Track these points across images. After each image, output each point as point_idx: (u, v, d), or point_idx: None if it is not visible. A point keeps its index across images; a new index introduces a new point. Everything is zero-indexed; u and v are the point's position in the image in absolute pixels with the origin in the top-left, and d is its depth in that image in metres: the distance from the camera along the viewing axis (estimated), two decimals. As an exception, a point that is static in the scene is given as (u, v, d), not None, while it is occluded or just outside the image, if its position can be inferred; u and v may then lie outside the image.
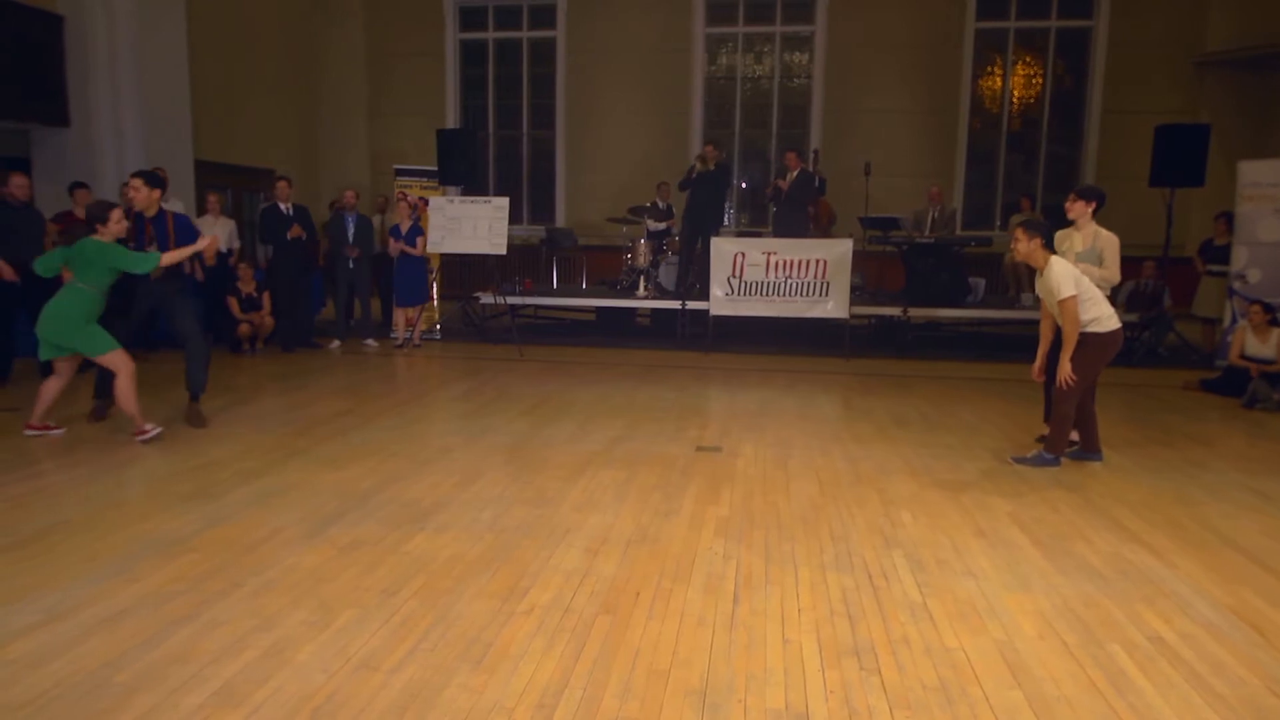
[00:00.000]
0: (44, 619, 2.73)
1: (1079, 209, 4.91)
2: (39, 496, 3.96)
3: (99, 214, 4.82)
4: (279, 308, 8.52)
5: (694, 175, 9.62)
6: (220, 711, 2.23)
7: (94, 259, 4.74)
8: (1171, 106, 11.91)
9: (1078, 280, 4.49)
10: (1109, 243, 4.88)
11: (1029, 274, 9.58)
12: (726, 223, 13.64)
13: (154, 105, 9.37)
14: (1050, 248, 4.61)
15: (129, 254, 4.85)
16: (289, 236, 8.34)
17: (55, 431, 5.03)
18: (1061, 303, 4.48)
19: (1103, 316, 4.57)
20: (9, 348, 6.67)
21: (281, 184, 8.67)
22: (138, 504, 3.89)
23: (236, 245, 8.84)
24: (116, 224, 4.85)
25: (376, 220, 9.82)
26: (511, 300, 9.64)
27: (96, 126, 9.07)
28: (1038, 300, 4.86)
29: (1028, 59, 13.22)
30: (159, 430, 4.97)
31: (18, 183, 6.67)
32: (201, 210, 8.97)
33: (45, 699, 2.28)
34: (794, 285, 8.66)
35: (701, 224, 9.63)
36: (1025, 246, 4.57)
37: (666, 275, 10.24)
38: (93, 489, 4.08)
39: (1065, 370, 4.54)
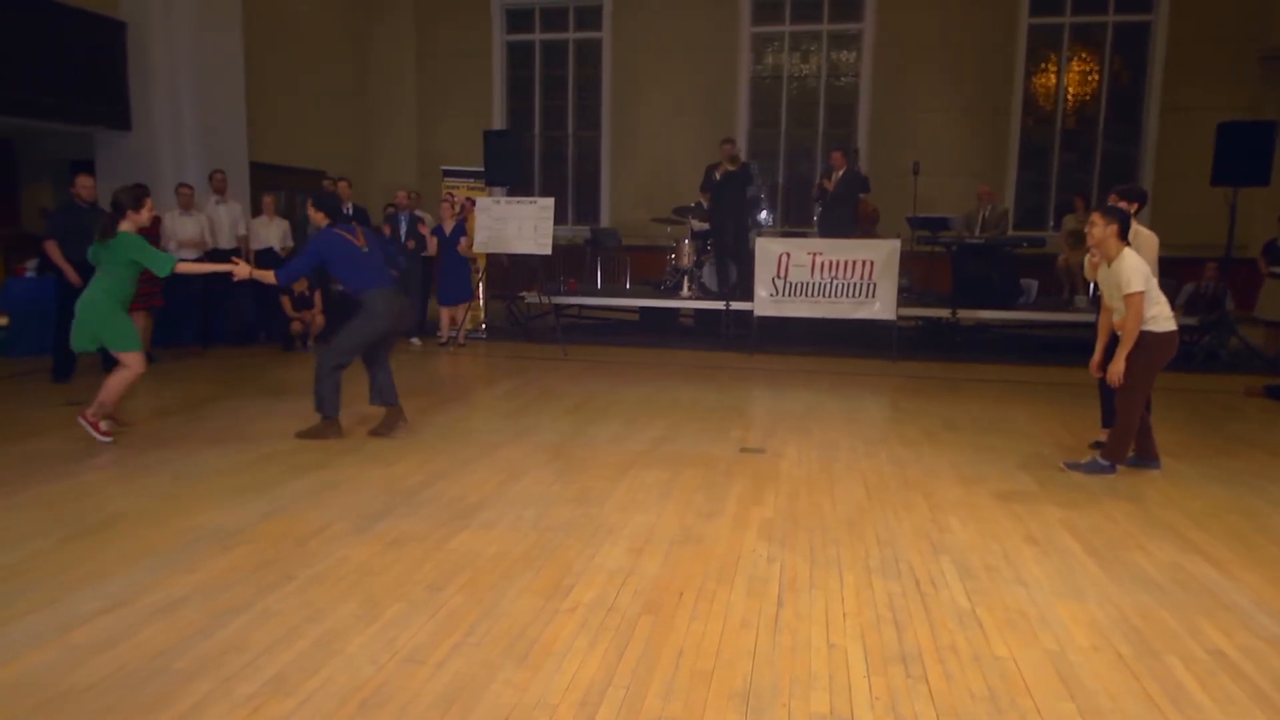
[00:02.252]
0: (107, 606, 2.82)
1: (1090, 219, 4.77)
2: (102, 488, 4.10)
3: (131, 201, 4.83)
4: (330, 307, 8.70)
5: (719, 177, 9.57)
6: (273, 700, 2.28)
7: (115, 248, 4.76)
8: (1234, 103, 11.50)
9: (1148, 277, 4.37)
10: (1147, 241, 4.73)
11: (1082, 275, 9.35)
12: (770, 222, 13.56)
13: (211, 108, 9.63)
14: (1125, 238, 4.48)
15: (149, 250, 4.87)
16: None
17: (105, 439, 4.85)
18: (1128, 296, 4.35)
19: (1160, 316, 4.43)
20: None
21: (342, 184, 8.91)
22: (194, 497, 4.00)
23: (290, 245, 9.05)
24: (148, 212, 4.94)
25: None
26: (556, 300, 9.70)
27: (156, 129, 9.36)
28: (1091, 302, 4.74)
29: (1083, 55, 12.88)
30: (111, 440, 4.84)
31: (84, 183, 6.85)
32: (257, 211, 9.21)
33: (108, 683, 2.35)
34: (840, 286, 8.57)
35: (739, 221, 9.59)
36: (1100, 232, 4.44)
37: (710, 275, 10.20)
38: (151, 481, 4.20)
39: (1119, 369, 4.41)
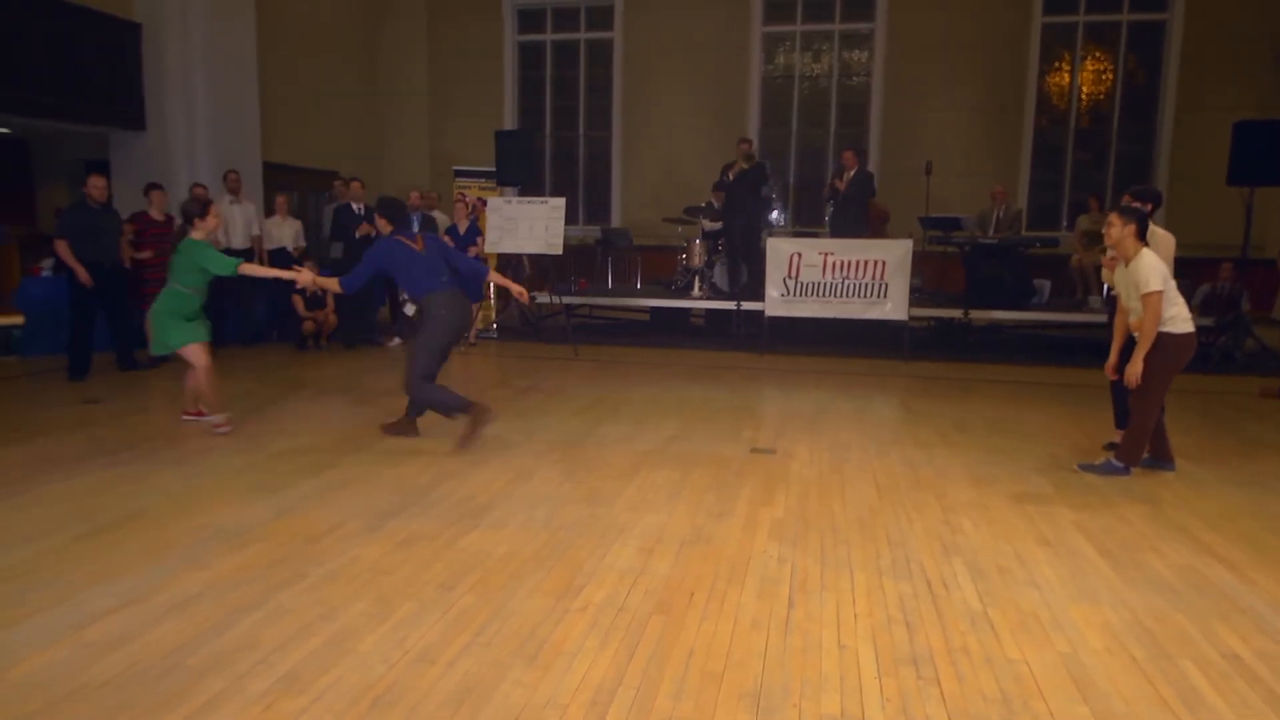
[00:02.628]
0: (121, 603, 2.84)
1: (1107, 219, 4.74)
2: (116, 486, 4.13)
3: (198, 210, 5.07)
4: (342, 306, 8.73)
5: (733, 177, 9.55)
6: (285, 697, 2.29)
7: (183, 255, 5.02)
8: (1250, 102, 11.40)
9: (1166, 277, 4.33)
10: (1164, 241, 4.69)
11: (1096, 276, 9.29)
12: (782, 222, 13.53)
13: (225, 109, 9.69)
14: (1143, 238, 4.45)
15: (213, 254, 5.10)
16: (358, 235, 8.58)
17: (208, 418, 5.21)
18: (1146, 296, 4.32)
19: (1178, 317, 4.40)
20: (88, 344, 6.96)
21: (355, 184, 8.96)
22: (208, 494, 4.02)
23: (303, 245, 9.09)
24: (214, 218, 5.16)
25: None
26: (567, 300, 9.71)
27: (171, 130, 9.42)
28: (1105, 303, 4.70)
29: (1097, 54, 12.79)
30: (229, 429, 5.13)
31: (96, 184, 6.89)
32: (270, 211, 9.26)
33: (122, 679, 2.37)
34: (851, 286, 8.54)
35: (749, 221, 9.58)
36: (1117, 232, 4.41)
37: (721, 276, 10.19)
38: (165, 479, 4.23)
39: (1137, 369, 4.37)
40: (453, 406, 4.86)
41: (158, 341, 5.14)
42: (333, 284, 5.06)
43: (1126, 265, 4.46)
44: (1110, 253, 4.78)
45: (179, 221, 5.21)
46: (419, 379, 4.86)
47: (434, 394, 4.89)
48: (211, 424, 5.15)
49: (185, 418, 5.34)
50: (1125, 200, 4.81)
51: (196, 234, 5.08)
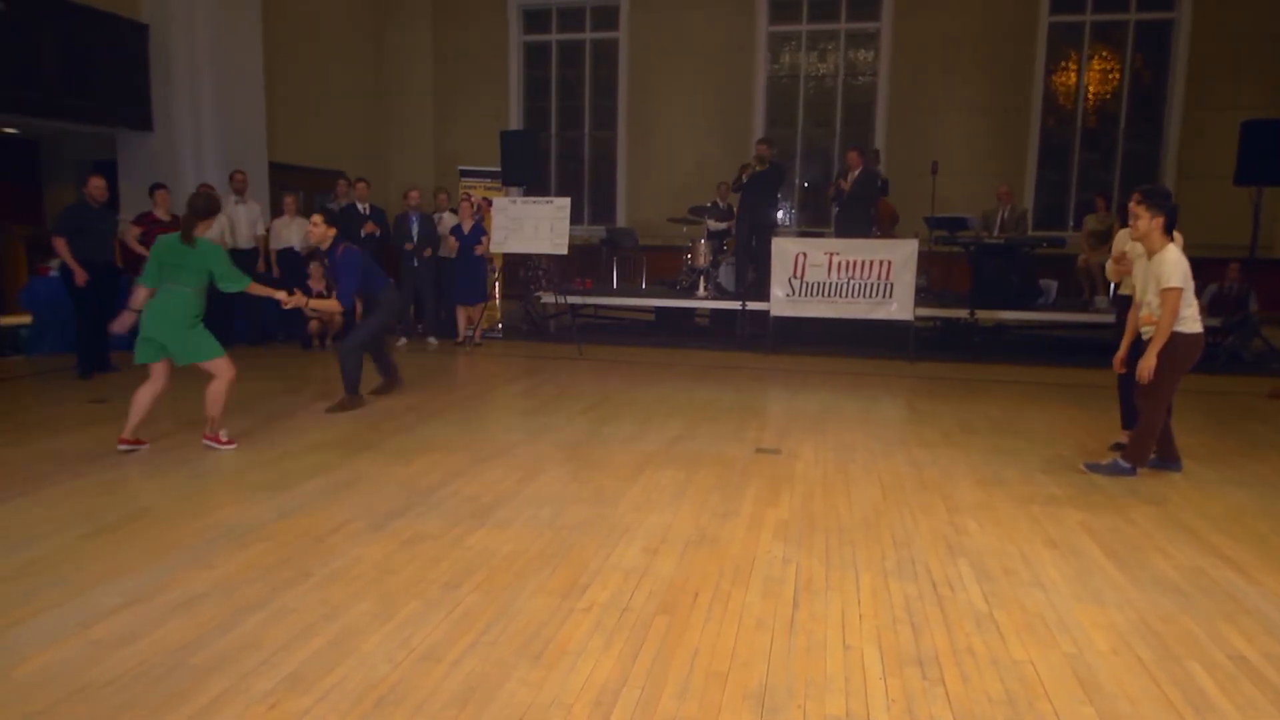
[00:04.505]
0: (126, 602, 2.85)
1: (1134, 212, 4.71)
2: (122, 485, 4.14)
3: (209, 209, 4.75)
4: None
5: (746, 179, 9.54)
6: (290, 697, 2.30)
7: (196, 257, 4.62)
8: (1258, 102, 11.36)
9: (1187, 276, 4.31)
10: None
11: (1102, 276, 9.25)
12: (787, 222, 13.52)
13: (231, 109, 9.73)
14: (1171, 232, 4.40)
15: (229, 264, 4.79)
16: (363, 233, 8.61)
17: (143, 447, 4.75)
18: (1165, 291, 4.29)
19: (1190, 317, 4.38)
20: (102, 342, 6.99)
21: (360, 185, 8.98)
22: (214, 494, 4.04)
23: (310, 244, 9.10)
24: (216, 223, 5.26)
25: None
26: (572, 300, 9.71)
27: (177, 130, 9.46)
28: (1111, 303, 4.68)
29: (1104, 53, 12.75)
30: (235, 446, 4.83)
31: (97, 184, 6.92)
32: (278, 211, 9.28)
33: (127, 678, 2.38)
34: (857, 286, 8.53)
35: (757, 222, 9.56)
36: (1145, 224, 4.35)
37: (726, 275, 10.19)
38: (171, 479, 4.25)
39: (1150, 365, 4.34)
40: (348, 384, 5.88)
41: (191, 353, 4.70)
42: (331, 304, 5.88)
43: (1150, 259, 4.43)
44: (1130, 246, 4.74)
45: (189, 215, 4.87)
46: (356, 348, 5.94)
47: (351, 363, 5.86)
48: (224, 443, 4.85)
49: (121, 446, 4.70)
50: (1132, 202, 4.77)
51: (201, 229, 4.71)
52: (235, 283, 4.80)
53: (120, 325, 5.09)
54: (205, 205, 4.76)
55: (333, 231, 5.75)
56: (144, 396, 4.72)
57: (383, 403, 6.13)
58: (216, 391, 4.78)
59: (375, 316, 6.07)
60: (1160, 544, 3.56)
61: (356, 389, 5.91)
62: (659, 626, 2.74)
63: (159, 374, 4.76)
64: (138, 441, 4.76)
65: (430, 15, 14.47)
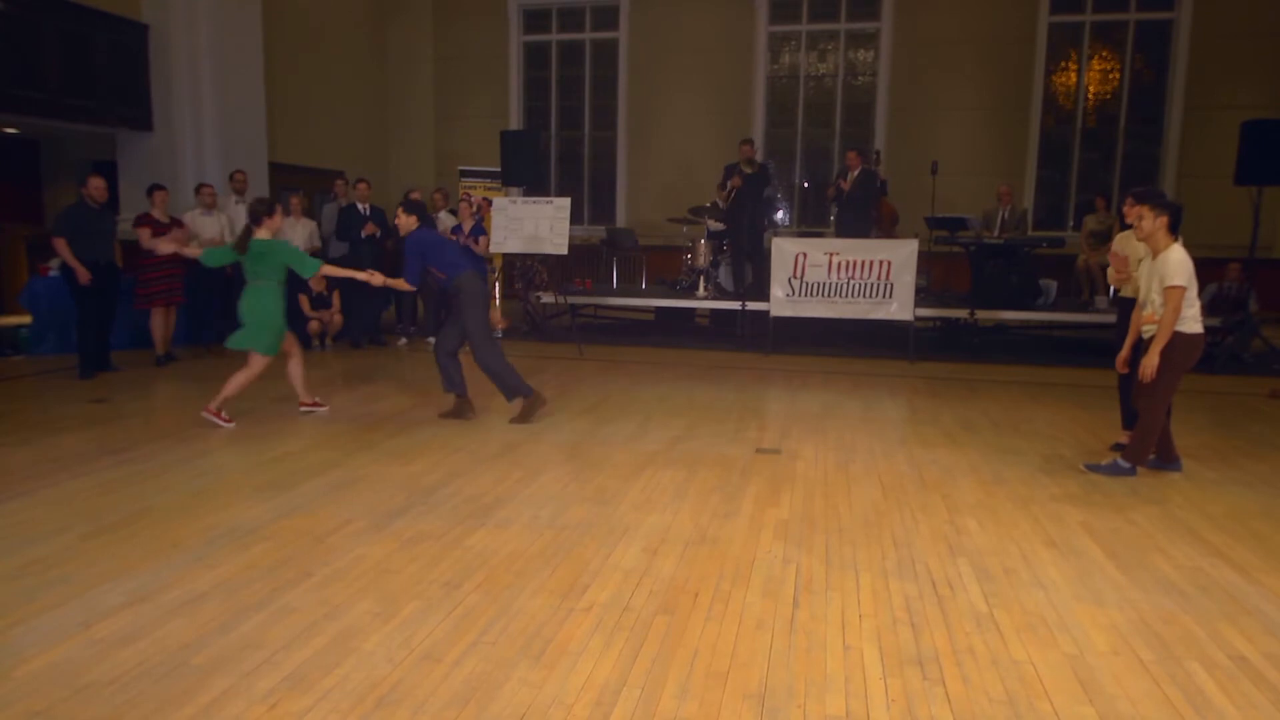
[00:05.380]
0: (128, 601, 2.86)
1: (1136, 213, 4.71)
2: (124, 484, 4.14)
3: (266, 209, 5.27)
4: (348, 306, 8.75)
5: (734, 191, 9.54)
6: (291, 696, 2.30)
7: (270, 256, 5.21)
8: (1259, 101, 11.37)
9: (1191, 275, 4.32)
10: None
11: (1102, 276, 9.26)
12: (787, 222, 13.51)
13: (231, 109, 9.72)
14: (1176, 231, 4.41)
15: (299, 253, 5.39)
16: (363, 234, 8.61)
17: (322, 409, 5.67)
18: (1168, 289, 4.30)
19: (1190, 317, 4.39)
20: (103, 342, 7.00)
21: (361, 185, 8.98)
22: (216, 493, 4.04)
23: (317, 245, 9.11)
24: (279, 218, 5.39)
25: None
26: (572, 300, 9.71)
27: (178, 130, 9.46)
28: (1111, 304, 4.69)
29: (1104, 53, 12.75)
30: (233, 425, 5.26)
31: (96, 184, 6.93)
32: (284, 212, 9.26)
33: (129, 677, 2.38)
34: (857, 286, 8.53)
35: (754, 222, 9.57)
36: (1150, 225, 4.36)
37: (726, 276, 10.19)
38: (173, 478, 4.25)
39: (1153, 364, 4.35)
40: (512, 387, 5.51)
41: (255, 339, 5.23)
42: (401, 284, 5.52)
43: (1154, 258, 4.44)
44: (1130, 247, 4.74)
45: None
46: (486, 348, 5.45)
47: (502, 368, 5.47)
48: (224, 420, 5.28)
49: (207, 415, 5.29)
50: (1126, 204, 4.76)
51: (263, 233, 5.25)
52: (309, 268, 5.34)
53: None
54: (263, 208, 5.28)
55: (413, 219, 5.50)
56: (292, 369, 5.58)
57: (383, 403, 6.13)
58: (246, 378, 5.28)
59: (471, 310, 5.42)
60: (1161, 544, 3.56)
61: (525, 386, 5.50)
62: (659, 626, 2.74)
63: (290, 346, 5.51)
64: (315, 404, 5.70)
65: (430, 15, 14.48)
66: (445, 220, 9.31)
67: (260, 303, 5.22)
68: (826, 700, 2.33)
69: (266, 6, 10.26)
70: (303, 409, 5.64)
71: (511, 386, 5.51)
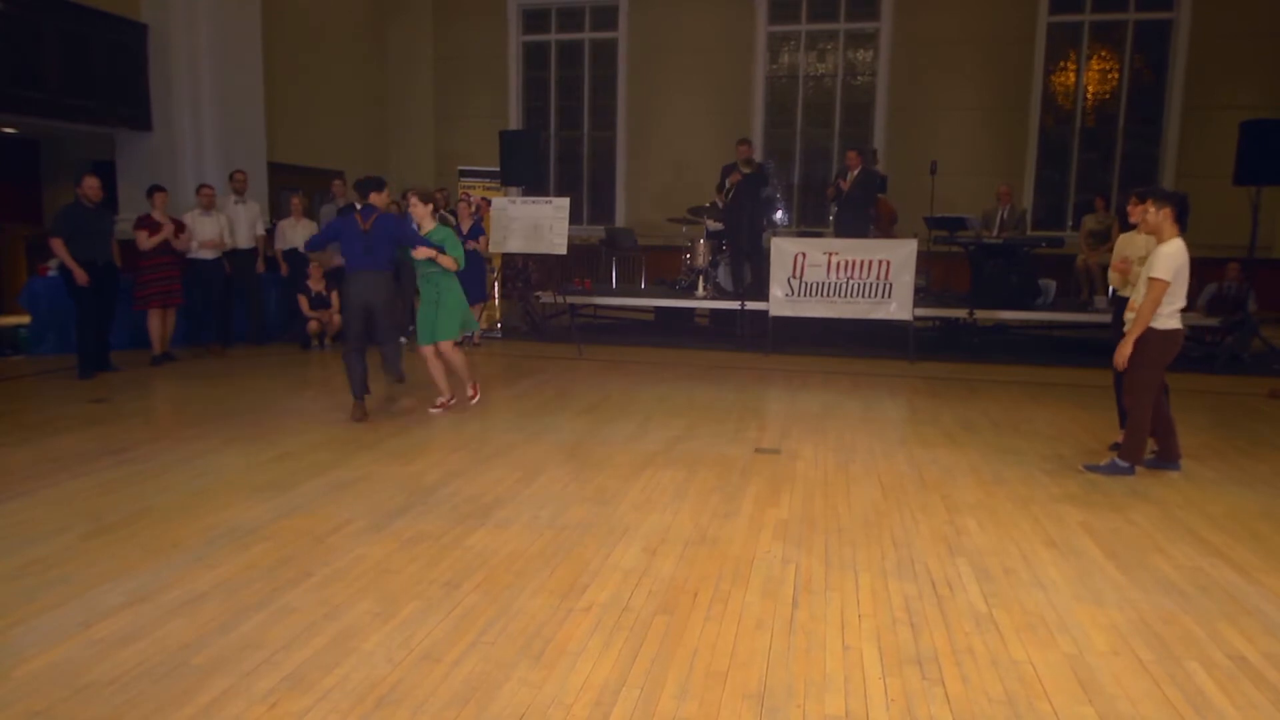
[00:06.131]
0: (128, 601, 2.86)
1: (1140, 212, 4.73)
2: (124, 484, 4.14)
3: (375, 184, 5.70)
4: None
5: (733, 188, 9.54)
6: (291, 696, 2.30)
7: (450, 244, 5.63)
8: (1258, 101, 11.37)
9: (1179, 272, 4.33)
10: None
11: (1102, 276, 9.26)
12: (786, 222, 13.51)
13: (230, 109, 9.71)
14: (1181, 222, 4.41)
15: (458, 244, 5.77)
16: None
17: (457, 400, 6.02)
18: (1151, 280, 4.32)
19: (1168, 314, 4.40)
20: (102, 342, 6.99)
21: None
22: (216, 493, 4.04)
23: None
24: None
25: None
26: (571, 300, 9.71)
27: (177, 130, 9.45)
28: (1110, 303, 4.69)
29: (1103, 53, 12.75)
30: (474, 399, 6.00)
31: (91, 184, 6.92)
32: (283, 212, 9.27)
33: (129, 677, 2.38)
34: (856, 286, 8.53)
35: (752, 222, 9.58)
36: (1154, 218, 4.37)
37: (725, 275, 10.19)
38: (173, 478, 4.25)
39: (1125, 352, 4.41)
40: (354, 388, 5.63)
41: (451, 329, 5.69)
42: (448, 261, 5.60)
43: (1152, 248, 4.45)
44: (1137, 240, 4.73)
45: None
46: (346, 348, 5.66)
47: (353, 366, 5.59)
48: (456, 402, 5.92)
49: (434, 410, 5.81)
50: (1130, 203, 4.78)
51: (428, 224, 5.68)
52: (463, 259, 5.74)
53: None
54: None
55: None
56: (436, 369, 5.88)
57: (383, 403, 6.13)
58: (455, 364, 5.80)
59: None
60: (1160, 544, 3.56)
61: (360, 392, 5.70)
62: (659, 626, 2.74)
63: (427, 352, 5.81)
64: (455, 398, 6.02)
65: (430, 15, 14.47)
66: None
67: (454, 294, 5.68)
68: (826, 700, 2.33)
69: (266, 7, 10.25)
70: (455, 402, 6.02)
71: (354, 386, 5.64)
